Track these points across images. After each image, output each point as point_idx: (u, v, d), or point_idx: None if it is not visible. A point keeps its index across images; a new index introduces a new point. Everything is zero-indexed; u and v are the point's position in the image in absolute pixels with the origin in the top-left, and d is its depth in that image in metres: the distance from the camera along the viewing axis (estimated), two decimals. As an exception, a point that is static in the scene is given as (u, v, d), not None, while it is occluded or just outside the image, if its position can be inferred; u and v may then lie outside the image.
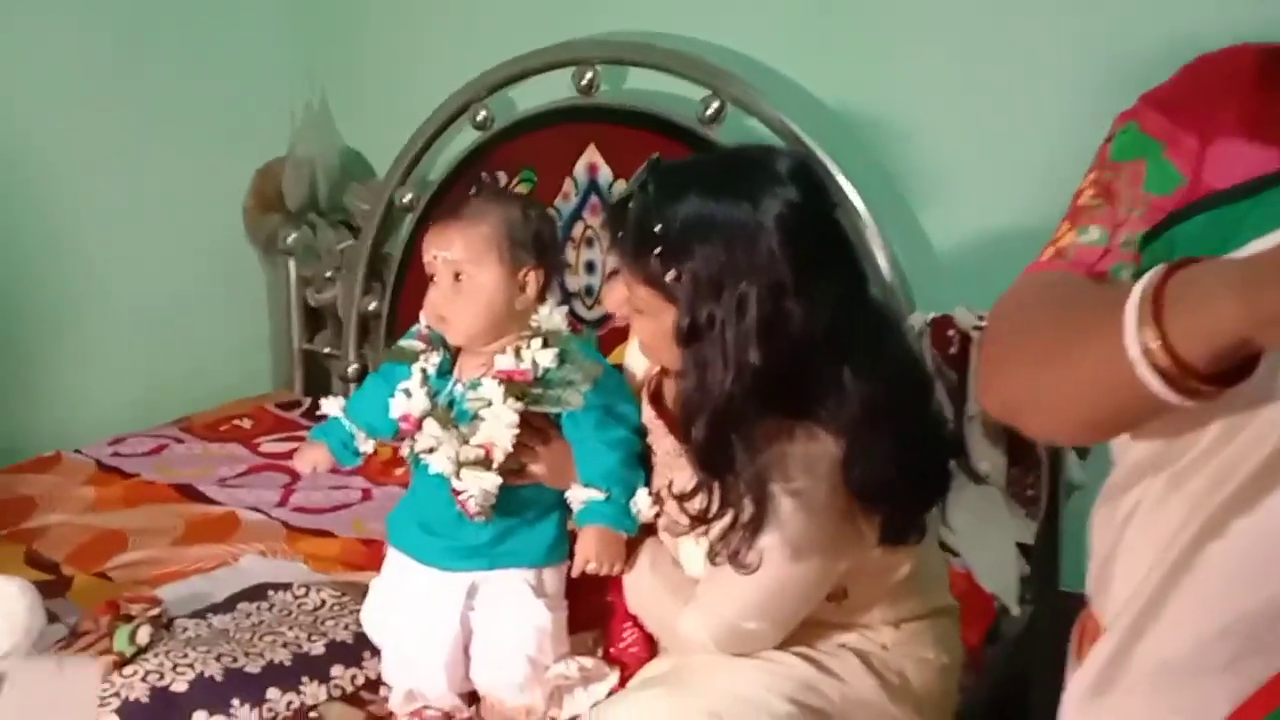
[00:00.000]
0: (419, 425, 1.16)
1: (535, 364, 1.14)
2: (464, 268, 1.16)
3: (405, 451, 1.20)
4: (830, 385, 1.04)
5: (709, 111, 1.85)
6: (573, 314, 2.00)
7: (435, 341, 1.22)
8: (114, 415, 2.14)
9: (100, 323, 2.15)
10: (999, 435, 1.61)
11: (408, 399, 1.18)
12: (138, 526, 1.73)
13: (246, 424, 2.17)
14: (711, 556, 1.07)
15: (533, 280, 1.18)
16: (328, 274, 2.33)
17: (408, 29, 2.26)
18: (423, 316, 1.22)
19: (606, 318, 1.99)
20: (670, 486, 1.13)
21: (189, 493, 1.86)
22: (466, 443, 1.13)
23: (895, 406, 1.05)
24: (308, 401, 2.31)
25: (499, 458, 1.13)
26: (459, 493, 1.13)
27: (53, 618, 1.43)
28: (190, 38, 2.21)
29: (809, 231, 1.04)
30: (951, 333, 1.64)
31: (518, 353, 1.15)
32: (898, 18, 1.77)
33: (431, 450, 1.14)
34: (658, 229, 1.03)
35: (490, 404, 1.13)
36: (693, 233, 1.03)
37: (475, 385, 1.16)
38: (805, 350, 1.03)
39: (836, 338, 1.04)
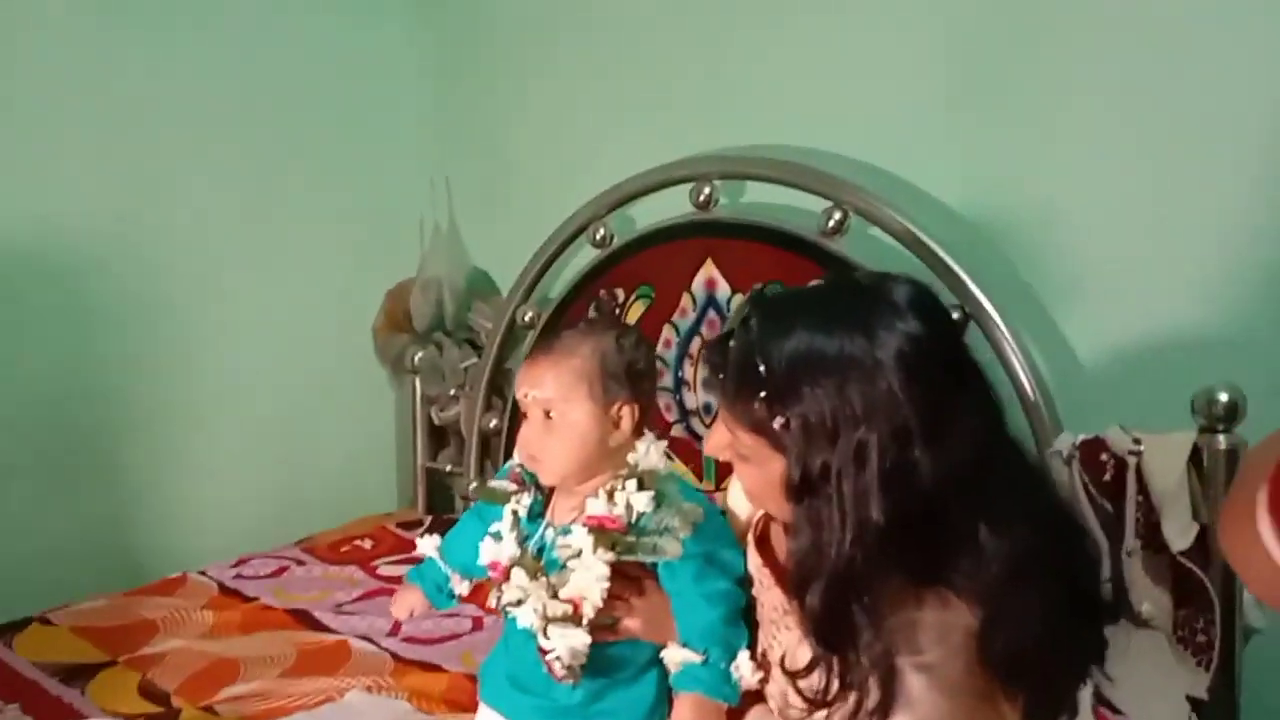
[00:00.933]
0: (507, 574, 1.09)
1: (629, 508, 1.06)
2: (555, 405, 1.10)
3: (493, 602, 1.12)
4: (965, 543, 0.90)
5: (830, 223, 1.78)
6: (690, 432, 1.97)
7: (528, 481, 1.15)
8: (240, 533, 2.17)
9: (229, 440, 2.19)
10: (1163, 573, 1.43)
11: (496, 544, 1.11)
12: (252, 655, 1.71)
13: (367, 544, 2.16)
14: None
15: (627, 415, 1.11)
16: (451, 392, 2.33)
17: (534, 147, 2.29)
18: (516, 454, 1.16)
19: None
20: (782, 661, 1.00)
21: (305, 619, 1.84)
22: (555, 595, 1.05)
23: (1042, 566, 0.91)
24: (429, 520, 2.29)
25: (588, 613, 1.05)
26: (545, 651, 1.05)
27: (157, 756, 1.41)
28: (326, 159, 2.28)
29: (935, 366, 0.92)
30: (1105, 457, 1.47)
31: (610, 495, 1.07)
32: (1028, 110, 1.65)
33: (519, 602, 1.07)
34: (761, 369, 0.92)
35: (580, 554, 1.05)
36: (801, 372, 0.91)
37: (565, 531, 1.09)
38: (935, 504, 0.89)
39: (971, 488, 0.90)
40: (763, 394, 0.93)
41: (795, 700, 0.95)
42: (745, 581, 1.10)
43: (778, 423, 0.92)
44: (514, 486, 1.16)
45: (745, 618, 1.08)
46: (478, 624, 1.82)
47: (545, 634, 1.05)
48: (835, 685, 0.92)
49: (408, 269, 2.40)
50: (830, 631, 0.91)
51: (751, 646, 1.06)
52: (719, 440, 1.01)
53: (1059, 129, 1.63)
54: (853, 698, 0.91)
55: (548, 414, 1.11)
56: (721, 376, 0.98)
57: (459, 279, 2.37)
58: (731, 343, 0.97)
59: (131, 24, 2.01)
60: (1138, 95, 1.56)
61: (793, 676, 0.95)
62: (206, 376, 2.16)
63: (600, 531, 1.06)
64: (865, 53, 1.80)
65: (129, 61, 2.01)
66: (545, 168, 2.27)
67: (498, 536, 1.12)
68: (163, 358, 2.11)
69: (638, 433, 1.12)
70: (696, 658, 1.04)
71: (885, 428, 0.89)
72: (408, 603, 1.23)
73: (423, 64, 2.38)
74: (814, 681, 0.94)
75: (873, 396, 0.89)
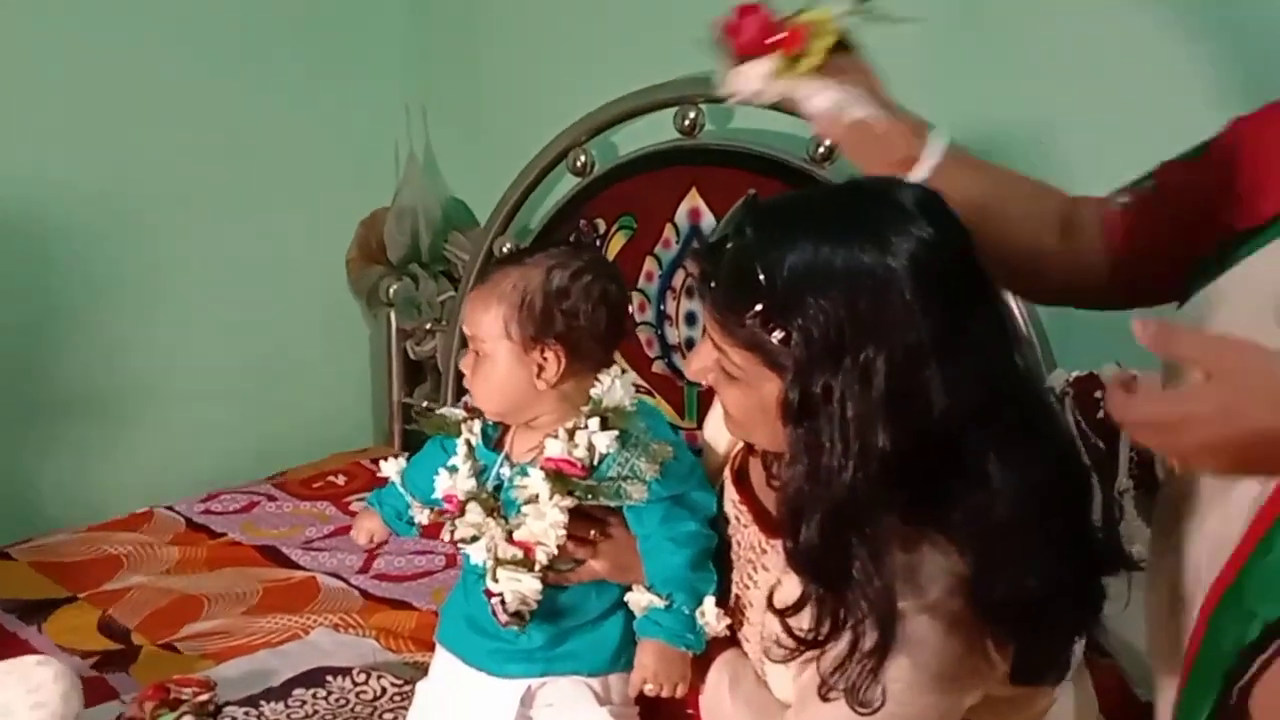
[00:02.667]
0: (462, 509, 1.03)
1: (591, 448, 0.99)
2: (479, 343, 1.04)
3: (446, 535, 1.07)
4: (972, 478, 0.82)
5: (820, 149, 1.70)
6: (672, 369, 1.91)
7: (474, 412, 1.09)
8: (211, 469, 2.11)
9: (200, 374, 2.12)
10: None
11: (451, 476, 1.05)
12: (216, 591, 1.67)
13: (341, 480, 2.11)
14: (824, 691, 0.86)
15: (551, 359, 1.02)
16: (428, 326, 2.27)
17: (512, 73, 2.19)
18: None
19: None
20: (770, 599, 0.93)
21: (273, 555, 1.80)
22: (510, 537, 0.99)
23: (1052, 506, 0.84)
24: (405, 457, 2.24)
25: (541, 559, 0.99)
26: (491, 594, 0.99)
27: (111, 694, 1.37)
28: (297, 86, 2.18)
29: (951, 275, 0.82)
30: (1099, 394, 1.41)
31: (571, 435, 1.00)
32: (1021, 29, 1.57)
33: (474, 539, 1.01)
34: (761, 276, 0.82)
35: (536, 498, 0.99)
36: (804, 283, 0.81)
37: (523, 472, 1.03)
38: (946, 431, 0.81)
39: (984, 415, 0.82)
40: (760, 305, 0.83)
41: (785, 639, 0.88)
42: (716, 522, 1.04)
43: (776, 336, 0.83)
44: (463, 414, 1.10)
45: (716, 561, 1.02)
46: (451, 560, 1.77)
47: (494, 576, 0.99)
48: (828, 626, 0.85)
49: (382, 198, 2.32)
50: (827, 567, 0.84)
51: (723, 591, 1.01)
52: (704, 360, 0.91)
53: (1057, 57, 1.55)
54: (846, 638, 0.84)
55: (478, 351, 1.04)
56: (713, 284, 0.87)
57: (435, 209, 2.29)
58: (727, 247, 0.87)
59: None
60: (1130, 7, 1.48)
61: (782, 615, 0.88)
62: (176, 308, 2.09)
63: (558, 476, 0.99)
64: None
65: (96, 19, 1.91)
66: (525, 92, 2.18)
67: (453, 470, 1.06)
68: (130, 289, 2.03)
69: (579, 374, 1.04)
70: (660, 602, 0.98)
71: (897, 343, 0.80)
72: (366, 528, 1.19)
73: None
74: (803, 620, 0.87)
75: (884, 308, 0.81)
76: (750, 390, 0.88)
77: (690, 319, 1.89)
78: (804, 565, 0.86)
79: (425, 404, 2.28)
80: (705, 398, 1.85)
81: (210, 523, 1.92)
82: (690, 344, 1.89)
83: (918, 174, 0.95)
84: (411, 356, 2.31)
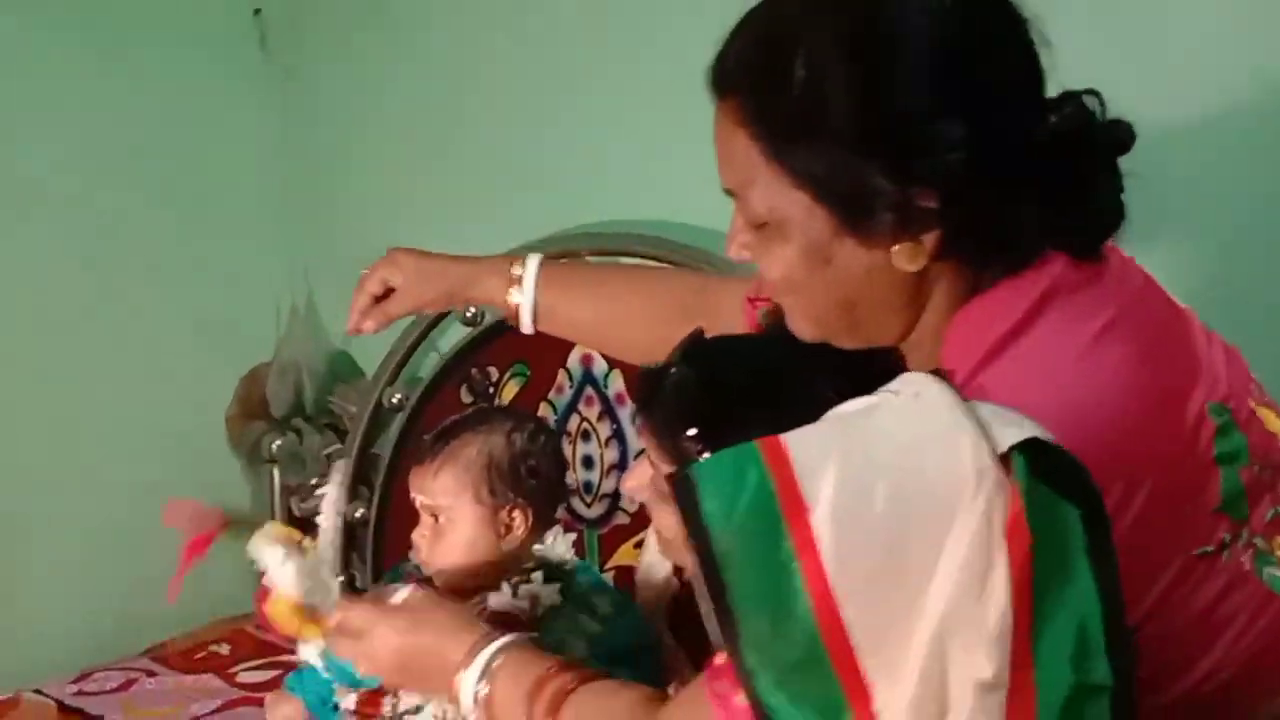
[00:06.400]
0: (401, 681, 1.03)
1: (535, 600, 1.02)
2: (441, 511, 1.06)
3: (388, 710, 1.05)
4: None
5: (705, 297, 1.79)
6: (570, 512, 1.93)
7: (425, 579, 1.10)
8: (82, 645, 1.99)
9: (65, 545, 2.02)
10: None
11: (389, 648, 1.04)
12: (99, 782, 1.56)
13: (224, 649, 2.03)
14: None
15: (519, 518, 1.07)
16: (313, 481, 2.22)
17: (395, 226, 2.23)
18: (412, 553, 1.11)
19: (608, 515, 1.88)
20: None
21: (158, 737, 1.70)
22: (457, 699, 0.99)
23: None
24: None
25: (495, 716, 0.99)
26: (449, 761, 0.99)
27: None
28: (171, 239, 2.17)
29: None
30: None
31: (515, 589, 1.03)
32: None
33: (418, 709, 1.01)
34: (695, 406, 0.83)
35: (483, 652, 1.00)
36: (738, 409, 0.82)
37: None
38: None
39: None
40: (695, 430, 0.83)
41: None
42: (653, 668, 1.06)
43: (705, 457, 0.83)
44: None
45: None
46: (353, 730, 1.71)
47: (448, 740, 0.99)
48: None
49: (262, 353, 2.30)
50: None
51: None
52: (640, 477, 0.91)
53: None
54: None
55: (436, 518, 1.06)
56: (652, 407, 0.88)
57: (319, 362, 2.28)
58: (670, 372, 0.88)
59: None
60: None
61: None
62: (37, 475, 2.00)
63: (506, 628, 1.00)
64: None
65: None
66: (409, 243, 2.22)
67: None
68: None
69: (536, 532, 1.08)
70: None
71: None
72: (283, 714, 1.15)
73: (277, 145, 2.30)
74: None
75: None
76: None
77: (587, 462, 1.92)
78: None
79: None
80: (606, 540, 1.89)
81: (86, 705, 1.80)
82: (588, 487, 1.92)
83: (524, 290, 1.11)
84: (296, 514, 2.25)
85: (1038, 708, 0.67)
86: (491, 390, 2.00)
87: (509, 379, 1.99)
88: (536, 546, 1.06)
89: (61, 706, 1.80)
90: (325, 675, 1.13)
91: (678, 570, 1.04)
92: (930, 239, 0.80)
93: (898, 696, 0.67)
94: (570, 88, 1.98)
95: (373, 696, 1.07)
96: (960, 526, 0.66)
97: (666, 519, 0.92)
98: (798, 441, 0.68)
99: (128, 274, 2.10)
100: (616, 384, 1.89)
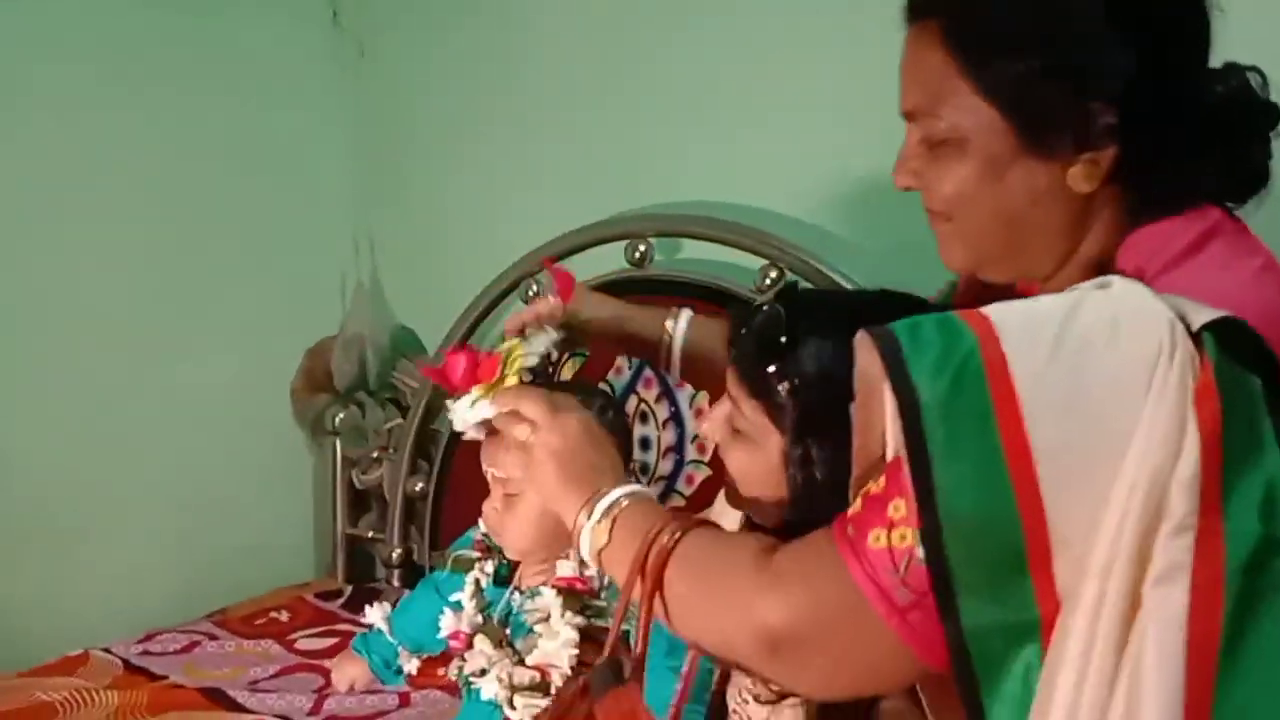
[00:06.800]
0: (470, 643, 1.03)
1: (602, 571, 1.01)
2: (515, 486, 1.06)
3: (454, 673, 1.06)
4: None
5: (767, 281, 1.77)
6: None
7: (494, 548, 1.10)
8: (149, 607, 2.04)
9: (135, 508, 2.07)
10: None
11: (457, 614, 1.05)
12: (160, 738, 1.60)
13: (284, 616, 2.06)
14: None
15: None
16: (374, 454, 2.25)
17: (463, 203, 2.25)
18: (482, 522, 1.11)
19: (664, 497, 1.87)
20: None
21: (218, 698, 1.73)
22: (522, 662, 0.99)
23: None
24: (349, 590, 2.20)
25: (556, 681, 0.99)
26: (513, 721, 0.99)
27: None
28: (242, 215, 2.20)
29: None
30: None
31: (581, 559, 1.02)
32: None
33: (483, 672, 1.01)
34: (783, 340, 0.88)
35: (548, 618, 1.00)
36: (817, 358, 0.87)
37: (534, 595, 1.04)
38: None
39: None
40: (776, 365, 0.88)
41: None
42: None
43: (783, 388, 0.88)
44: (478, 554, 1.11)
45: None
46: (404, 700, 1.72)
47: (510, 704, 0.99)
48: None
49: (328, 328, 2.33)
50: None
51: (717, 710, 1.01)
52: (717, 415, 0.95)
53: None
54: None
55: (506, 493, 1.06)
56: (744, 332, 0.92)
57: (383, 337, 2.30)
58: (763, 309, 0.92)
59: (50, 90, 1.93)
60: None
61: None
62: (111, 440, 2.04)
63: (570, 593, 1.01)
64: (794, 112, 1.80)
65: (44, 128, 1.93)
66: (474, 225, 2.23)
67: (457, 606, 1.07)
68: (64, 418, 1.98)
69: None
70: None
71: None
72: (349, 674, 1.17)
73: (346, 120, 2.32)
74: None
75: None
76: (754, 448, 0.91)
77: (644, 444, 1.92)
78: None
79: (371, 535, 2.26)
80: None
81: (150, 664, 1.84)
82: (644, 469, 1.91)
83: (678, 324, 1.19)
84: (357, 486, 2.28)
85: (1226, 555, 0.71)
86: (551, 370, 1.99)
87: (569, 358, 1.99)
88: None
89: (127, 665, 1.84)
90: (391, 640, 1.14)
91: (748, 521, 1.03)
92: (1106, 157, 0.85)
93: (1088, 558, 0.71)
94: (640, 69, 1.96)
95: (435, 661, 1.07)
96: (1156, 392, 0.71)
97: (739, 458, 0.94)
98: (1001, 315, 0.75)
99: (198, 247, 2.14)
100: (675, 366, 1.88)
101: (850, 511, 0.78)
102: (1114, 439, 0.71)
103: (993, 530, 0.71)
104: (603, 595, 1.01)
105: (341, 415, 2.26)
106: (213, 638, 1.96)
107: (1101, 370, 0.72)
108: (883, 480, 0.76)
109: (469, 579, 1.09)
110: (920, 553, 0.72)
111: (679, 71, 1.91)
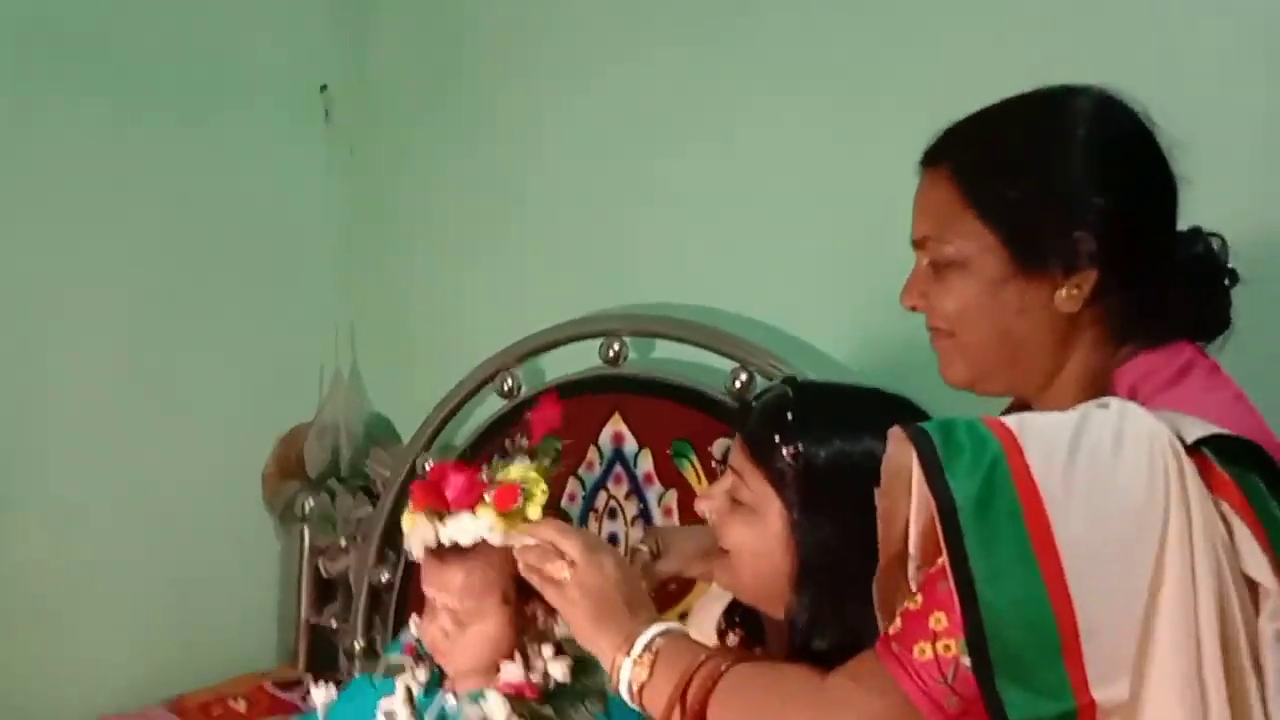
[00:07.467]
0: (404, 746, 1.03)
1: (546, 675, 1.03)
2: (465, 613, 1.07)
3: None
4: None
5: (737, 384, 1.81)
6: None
7: (425, 655, 1.11)
8: (105, 690, 2.00)
9: (93, 591, 2.04)
10: None
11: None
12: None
13: (241, 705, 2.03)
14: None
15: (542, 612, 1.08)
16: (342, 542, 2.25)
17: (442, 299, 2.29)
18: (413, 626, 1.12)
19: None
20: None
21: (167, 789, 1.70)
22: (458, 764, 1.00)
23: None
24: (309, 679, 2.16)
25: (494, 788, 0.99)
26: (450, 828, 0.99)
27: None
28: (226, 301, 2.23)
29: None
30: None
31: (527, 662, 1.03)
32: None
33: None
34: (789, 416, 0.98)
35: (489, 722, 1.00)
36: (825, 432, 0.98)
37: (476, 698, 1.04)
38: None
39: None
40: (781, 436, 0.98)
41: None
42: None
43: (787, 451, 0.97)
44: (409, 659, 1.12)
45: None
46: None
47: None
48: None
49: (305, 414, 2.34)
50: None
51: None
52: (718, 490, 1.03)
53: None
54: None
55: (456, 617, 1.07)
56: (748, 416, 1.02)
57: (358, 424, 2.32)
58: (770, 393, 1.04)
59: (43, 174, 1.97)
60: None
61: None
62: (76, 522, 2.03)
63: (518, 699, 1.01)
64: (773, 221, 1.87)
65: (37, 213, 1.96)
66: (453, 319, 2.28)
67: (390, 717, 1.07)
68: (26, 503, 1.96)
69: (555, 615, 1.08)
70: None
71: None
72: None
73: (333, 214, 2.37)
74: None
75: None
76: (755, 520, 0.99)
77: (612, 540, 1.93)
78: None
79: (334, 624, 2.24)
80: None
81: (100, 753, 1.81)
82: (611, 565, 1.92)
83: None
84: (324, 574, 2.27)
85: None
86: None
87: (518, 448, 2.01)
88: (557, 627, 1.07)
89: (77, 752, 1.81)
90: None
91: (725, 620, 1.11)
92: (1088, 280, 0.95)
93: (1119, 652, 0.79)
94: (624, 176, 2.03)
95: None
96: (1166, 495, 0.81)
97: (739, 531, 1.01)
98: (1020, 426, 0.84)
99: (181, 330, 2.16)
100: (646, 464, 1.91)
101: (891, 630, 0.85)
102: (1127, 535, 0.80)
103: (1028, 619, 0.79)
104: (548, 703, 1.02)
105: (311, 502, 2.26)
106: (167, 726, 1.94)
107: (1111, 478, 0.81)
108: (919, 597, 0.83)
109: (399, 684, 1.09)
110: (966, 661, 0.79)
111: (660, 176, 1.98)
